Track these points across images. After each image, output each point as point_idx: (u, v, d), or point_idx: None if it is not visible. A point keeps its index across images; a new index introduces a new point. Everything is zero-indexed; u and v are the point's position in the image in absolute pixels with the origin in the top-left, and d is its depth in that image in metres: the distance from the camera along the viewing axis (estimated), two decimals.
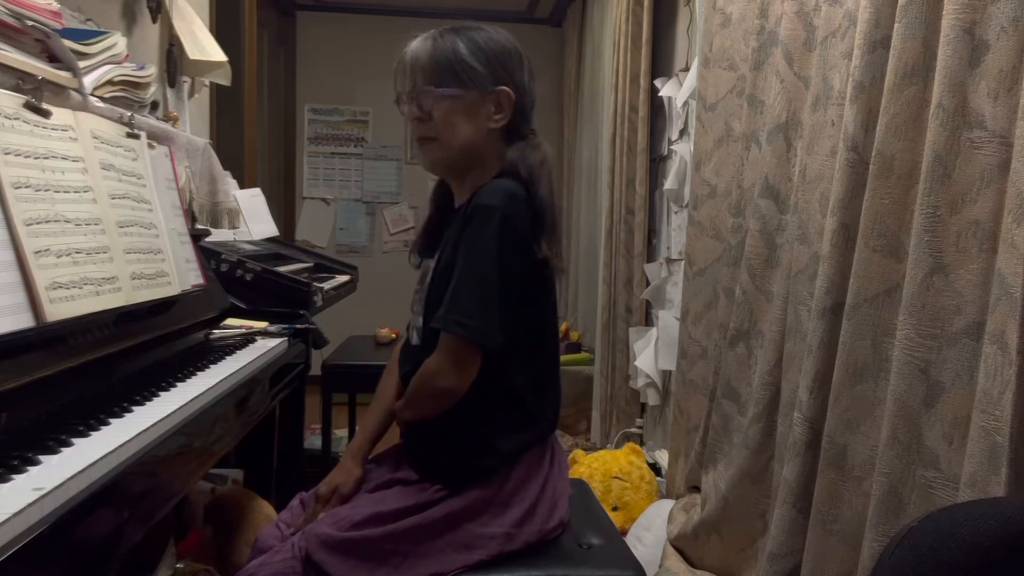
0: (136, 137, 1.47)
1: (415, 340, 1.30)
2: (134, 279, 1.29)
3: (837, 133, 1.50)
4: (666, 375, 2.84)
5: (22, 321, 0.99)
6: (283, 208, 4.87)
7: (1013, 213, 1.08)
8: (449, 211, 1.32)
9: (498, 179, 1.22)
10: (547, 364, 1.30)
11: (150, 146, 1.55)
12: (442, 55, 1.22)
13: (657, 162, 3.12)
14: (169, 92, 2.36)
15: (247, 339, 1.72)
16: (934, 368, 1.23)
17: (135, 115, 1.53)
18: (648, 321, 3.15)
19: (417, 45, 1.25)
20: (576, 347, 4.08)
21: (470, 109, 1.23)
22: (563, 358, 3.92)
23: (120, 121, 1.45)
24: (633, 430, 3.20)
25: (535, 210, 1.20)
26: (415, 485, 1.23)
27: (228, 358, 1.51)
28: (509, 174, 1.22)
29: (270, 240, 2.60)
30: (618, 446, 2.98)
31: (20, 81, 1.18)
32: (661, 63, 3.09)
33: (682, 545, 2.07)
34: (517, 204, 1.17)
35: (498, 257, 1.14)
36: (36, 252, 1.05)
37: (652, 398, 2.94)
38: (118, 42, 1.57)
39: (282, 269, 2.21)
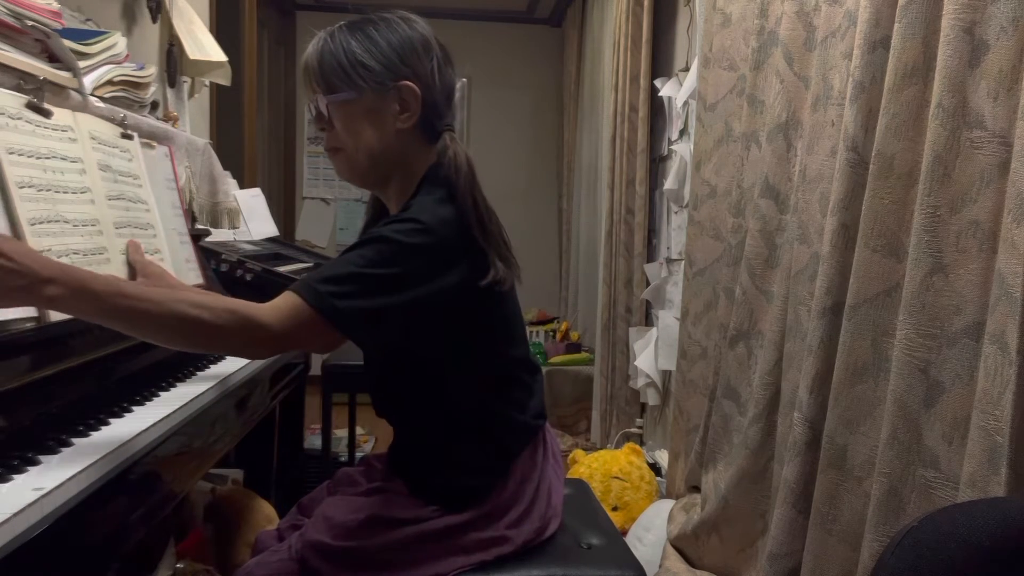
0: (130, 138, 1.46)
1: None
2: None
3: (837, 133, 1.50)
4: (666, 375, 2.84)
5: (22, 321, 0.99)
6: (283, 208, 4.87)
7: (1013, 213, 1.08)
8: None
9: (423, 196, 1.11)
10: (520, 380, 1.25)
11: (150, 146, 1.55)
12: (330, 57, 1.12)
13: (657, 162, 3.12)
14: (169, 92, 2.36)
15: None
16: (934, 368, 1.23)
17: (132, 115, 1.53)
18: (648, 321, 3.15)
19: (309, 49, 1.14)
20: (576, 347, 4.08)
21: (371, 111, 1.11)
22: (563, 358, 3.93)
23: (114, 121, 1.45)
24: (633, 430, 3.20)
25: (462, 221, 1.08)
26: (413, 497, 1.20)
27: (228, 358, 1.51)
28: (433, 182, 1.12)
29: (270, 240, 2.60)
30: (618, 446, 2.98)
31: (21, 81, 1.19)
32: (661, 63, 3.09)
33: (682, 545, 2.07)
34: (448, 226, 1.07)
35: (412, 272, 1.02)
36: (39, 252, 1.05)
37: (652, 398, 2.94)
38: (118, 42, 1.57)
39: (282, 269, 2.21)
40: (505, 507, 1.20)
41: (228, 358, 1.50)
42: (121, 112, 1.49)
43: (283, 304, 1.00)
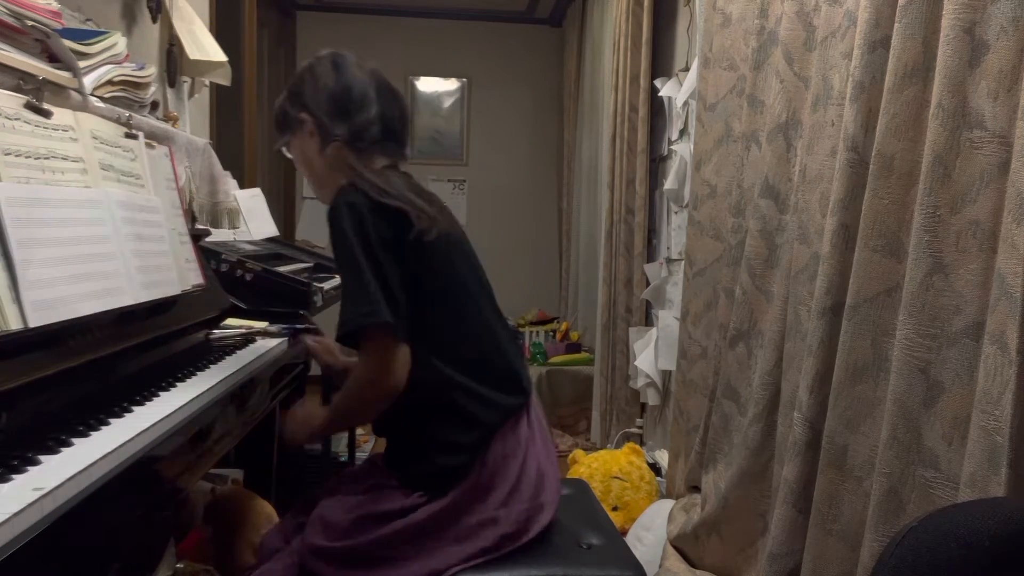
0: (134, 137, 1.47)
1: None
2: (134, 279, 1.29)
3: (837, 133, 1.50)
4: (666, 375, 2.84)
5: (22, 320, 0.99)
6: (283, 208, 4.87)
7: (1013, 213, 1.08)
8: None
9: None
10: (481, 344, 1.27)
11: (150, 146, 1.55)
12: (274, 112, 1.36)
13: (657, 162, 3.12)
14: (169, 92, 2.36)
15: (247, 339, 1.72)
16: (934, 368, 1.23)
17: (133, 115, 1.53)
18: (648, 321, 3.15)
19: None
20: (576, 347, 4.08)
21: (301, 145, 1.32)
22: (563, 358, 3.93)
23: (118, 121, 1.45)
24: (633, 430, 3.20)
25: (357, 188, 1.22)
26: (401, 489, 1.23)
27: (228, 358, 1.51)
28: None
29: (270, 240, 2.60)
30: (618, 446, 2.98)
31: (21, 81, 1.18)
32: (661, 63, 3.09)
33: (682, 545, 2.07)
34: (351, 194, 1.20)
35: (357, 241, 1.17)
36: None
37: (652, 398, 2.94)
38: (118, 42, 1.57)
39: (282, 269, 2.21)
40: (488, 486, 1.21)
41: (226, 359, 1.50)
42: (126, 112, 1.50)
43: (359, 352, 1.22)
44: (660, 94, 2.92)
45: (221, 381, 1.32)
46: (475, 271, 1.32)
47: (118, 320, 1.22)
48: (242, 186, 2.49)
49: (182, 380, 1.28)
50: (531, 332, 4.40)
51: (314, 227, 5.13)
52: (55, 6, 1.34)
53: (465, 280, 1.29)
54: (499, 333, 1.31)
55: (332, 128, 1.28)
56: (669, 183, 2.76)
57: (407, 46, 4.88)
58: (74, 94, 1.34)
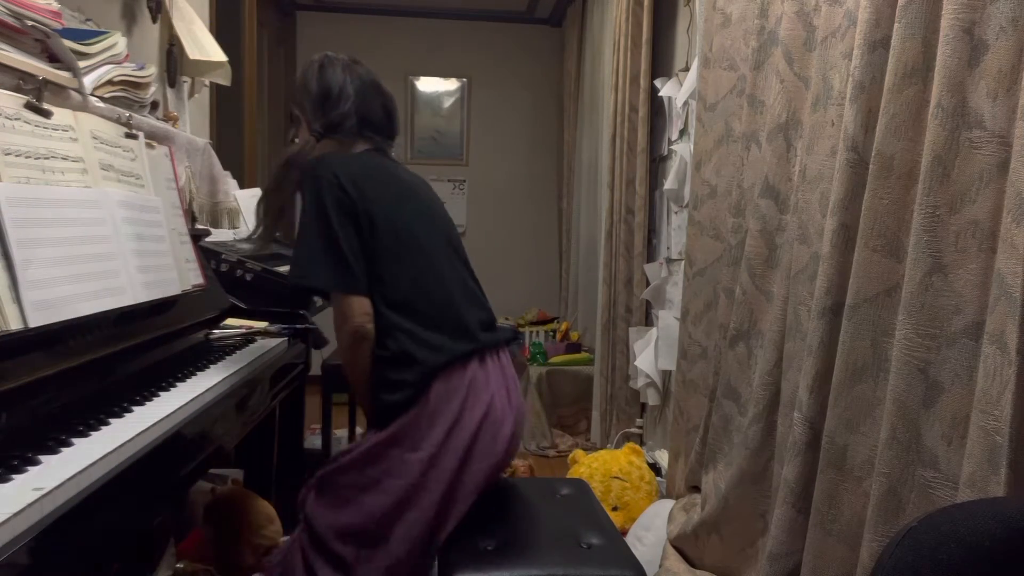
0: (134, 137, 1.47)
1: None
2: (134, 279, 1.29)
3: (837, 133, 1.50)
4: (666, 375, 2.84)
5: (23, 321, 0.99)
6: None
7: (1012, 213, 1.08)
8: None
9: None
10: (428, 292, 1.38)
11: (150, 146, 1.55)
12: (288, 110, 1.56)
13: (657, 162, 3.12)
14: (169, 92, 2.36)
15: (247, 339, 1.73)
16: (933, 368, 1.23)
17: (133, 115, 1.54)
18: (648, 321, 3.15)
19: None
20: (576, 347, 4.08)
21: (301, 138, 1.51)
22: (563, 358, 3.93)
23: (118, 121, 1.45)
24: (633, 430, 3.20)
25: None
26: (365, 434, 1.37)
27: (228, 358, 1.51)
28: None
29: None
30: (618, 446, 2.98)
31: (21, 81, 1.19)
32: (661, 63, 3.09)
33: (682, 545, 2.07)
34: (308, 173, 1.38)
35: (311, 211, 1.34)
36: None
37: (652, 398, 2.94)
38: (118, 42, 1.57)
39: (282, 269, 2.21)
40: (429, 421, 1.31)
41: (226, 359, 1.50)
42: (126, 112, 1.50)
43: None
44: (660, 94, 2.92)
45: (221, 381, 1.32)
46: (429, 224, 1.45)
47: (118, 320, 1.23)
48: (242, 186, 2.49)
49: (182, 380, 1.29)
50: (531, 332, 4.40)
51: None
52: (55, 6, 1.34)
53: (407, 228, 1.40)
54: (452, 285, 1.42)
55: (313, 123, 1.47)
56: (669, 183, 2.76)
57: (407, 46, 4.88)
58: (74, 94, 1.34)
